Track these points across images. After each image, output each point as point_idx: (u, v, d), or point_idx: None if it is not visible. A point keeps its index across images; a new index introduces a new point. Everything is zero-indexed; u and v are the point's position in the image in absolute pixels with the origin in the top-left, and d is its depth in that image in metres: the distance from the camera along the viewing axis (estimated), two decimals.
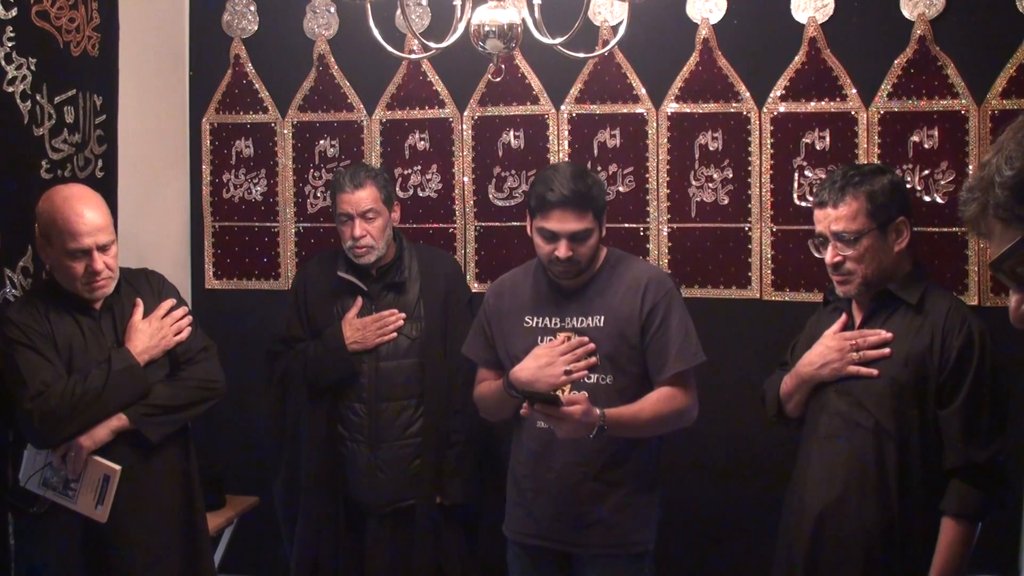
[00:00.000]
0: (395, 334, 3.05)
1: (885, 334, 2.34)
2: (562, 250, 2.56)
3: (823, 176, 3.26)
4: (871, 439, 2.31)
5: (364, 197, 3.02)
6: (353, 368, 3.04)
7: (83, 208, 2.53)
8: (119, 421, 2.57)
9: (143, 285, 2.77)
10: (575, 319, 2.65)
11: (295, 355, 3.09)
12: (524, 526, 2.73)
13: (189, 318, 2.77)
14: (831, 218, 2.34)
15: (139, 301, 2.69)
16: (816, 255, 2.43)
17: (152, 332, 2.67)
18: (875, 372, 2.32)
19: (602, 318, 2.63)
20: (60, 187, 2.64)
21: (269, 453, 3.29)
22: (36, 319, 2.54)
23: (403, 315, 3.06)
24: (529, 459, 2.69)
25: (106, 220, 2.57)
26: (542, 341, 2.64)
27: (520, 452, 2.73)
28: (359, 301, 3.09)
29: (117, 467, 2.55)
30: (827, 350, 2.39)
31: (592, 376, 2.60)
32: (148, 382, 2.62)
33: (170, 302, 2.75)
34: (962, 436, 2.24)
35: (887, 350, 2.32)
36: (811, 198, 2.35)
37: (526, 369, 2.59)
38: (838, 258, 2.35)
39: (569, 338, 2.60)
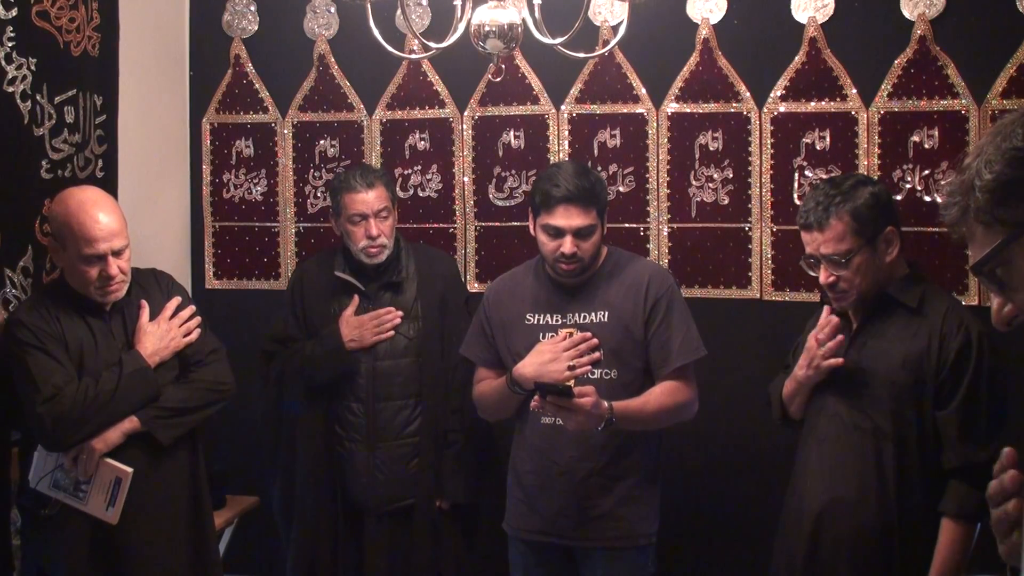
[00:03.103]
0: (392, 333, 3.05)
1: (833, 318, 2.34)
2: (567, 246, 2.58)
3: (823, 176, 3.27)
4: (870, 441, 2.30)
5: (377, 196, 3.02)
6: (351, 366, 3.04)
7: (99, 213, 2.51)
8: (131, 423, 2.57)
9: (152, 286, 2.76)
10: (577, 315, 2.67)
11: (291, 355, 3.09)
12: (527, 522, 2.74)
13: (198, 319, 2.76)
14: (819, 241, 2.33)
15: (144, 303, 2.68)
16: (810, 274, 2.43)
17: (161, 334, 2.66)
18: (840, 361, 2.32)
19: (606, 313, 2.65)
20: (74, 190, 2.61)
21: (265, 454, 3.28)
22: (47, 321, 2.53)
23: (400, 313, 3.06)
24: (533, 455, 2.71)
25: (121, 225, 2.56)
26: (543, 338, 2.66)
27: (523, 449, 2.75)
28: (356, 299, 3.08)
29: (129, 469, 2.55)
30: (807, 350, 2.40)
31: (596, 371, 2.62)
32: (159, 385, 2.61)
33: (175, 301, 2.74)
34: (960, 437, 2.23)
35: (840, 336, 2.32)
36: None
37: (529, 365, 2.60)
38: (831, 278, 2.34)
39: (571, 334, 2.62)
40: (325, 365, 3.04)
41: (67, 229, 2.50)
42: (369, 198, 3.01)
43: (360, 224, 3.01)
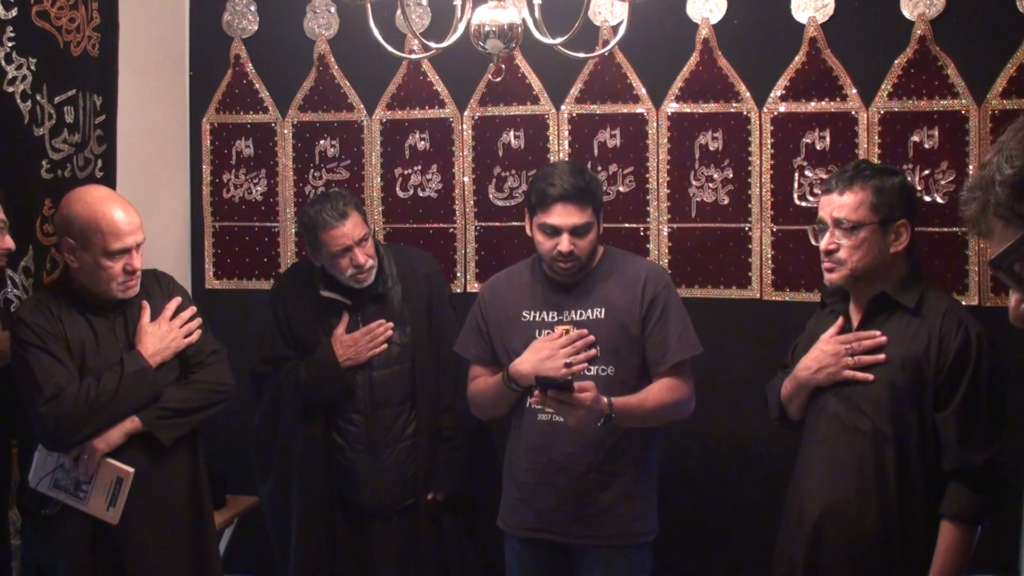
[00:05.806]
0: (386, 345, 3.03)
1: (880, 337, 2.32)
2: (564, 244, 2.58)
3: (823, 176, 3.27)
4: (870, 443, 2.30)
5: (354, 224, 2.95)
6: (348, 384, 3.03)
7: (120, 208, 2.54)
8: (132, 424, 2.57)
9: (154, 286, 2.76)
10: (574, 312, 2.67)
11: (285, 375, 3.07)
12: (524, 520, 2.74)
13: (199, 320, 2.76)
14: (835, 204, 2.34)
15: (145, 304, 2.69)
16: (813, 242, 2.43)
17: (162, 334, 2.67)
18: (871, 377, 2.31)
19: (603, 310, 2.66)
20: (88, 188, 2.62)
21: (257, 466, 3.26)
22: (49, 321, 2.53)
23: (391, 324, 3.04)
24: (530, 452, 2.71)
25: (139, 218, 2.59)
26: (540, 335, 2.66)
27: (519, 446, 2.75)
28: (345, 317, 3.06)
29: (130, 469, 2.55)
30: (823, 354, 2.38)
31: (593, 368, 2.63)
32: (160, 385, 2.62)
33: (176, 302, 2.74)
34: (959, 439, 2.23)
35: (882, 356, 2.31)
36: (818, 192, 2.35)
37: (526, 362, 2.61)
38: (833, 245, 2.34)
39: (567, 331, 2.62)
40: (323, 386, 3.03)
41: (92, 227, 2.50)
42: (347, 230, 2.93)
43: (344, 256, 2.95)
